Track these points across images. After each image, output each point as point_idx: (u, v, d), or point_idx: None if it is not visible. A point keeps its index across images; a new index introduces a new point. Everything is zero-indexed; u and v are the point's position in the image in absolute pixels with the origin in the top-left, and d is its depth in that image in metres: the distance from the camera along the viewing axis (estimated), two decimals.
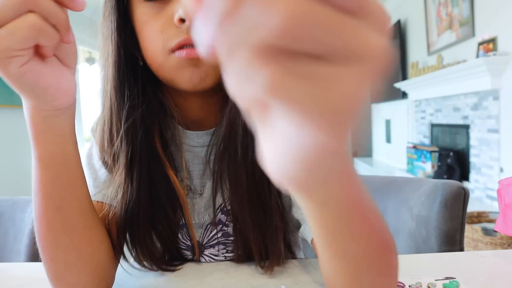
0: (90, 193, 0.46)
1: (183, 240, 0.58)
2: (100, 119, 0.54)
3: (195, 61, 0.46)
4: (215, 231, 0.58)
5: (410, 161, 3.96)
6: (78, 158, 0.42)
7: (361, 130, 7.33)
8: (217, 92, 0.49)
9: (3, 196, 0.86)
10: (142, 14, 0.48)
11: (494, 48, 2.55)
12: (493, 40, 2.57)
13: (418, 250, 0.73)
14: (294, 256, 0.59)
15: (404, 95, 4.39)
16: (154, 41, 0.47)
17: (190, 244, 0.58)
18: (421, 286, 0.46)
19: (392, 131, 5.16)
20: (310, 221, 0.29)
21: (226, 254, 0.59)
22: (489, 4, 2.65)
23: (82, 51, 4.42)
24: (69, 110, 0.38)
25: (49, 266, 0.43)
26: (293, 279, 0.50)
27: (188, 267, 0.56)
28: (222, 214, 0.57)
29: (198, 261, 0.60)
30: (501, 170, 2.57)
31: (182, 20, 0.44)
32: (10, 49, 0.29)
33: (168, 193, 0.53)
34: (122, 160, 0.51)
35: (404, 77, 4.37)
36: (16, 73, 0.31)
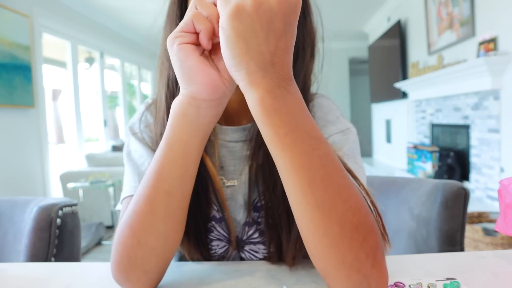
0: (135, 188, 0.53)
1: (222, 233, 0.59)
2: (158, 110, 0.58)
3: None
4: (252, 230, 0.58)
5: (410, 161, 3.96)
6: (198, 157, 0.46)
7: (361, 130, 7.34)
8: None
9: (2, 196, 0.86)
10: None
11: (495, 48, 2.54)
12: (493, 40, 2.56)
13: (419, 250, 0.73)
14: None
15: (404, 95, 4.39)
16: None
17: (230, 238, 0.59)
18: (421, 286, 0.46)
19: (392, 131, 5.16)
20: (275, 137, 0.37)
21: (266, 254, 0.59)
22: (490, 3, 2.65)
23: (82, 51, 4.42)
24: (210, 110, 0.43)
25: (132, 252, 0.45)
26: (294, 279, 0.50)
27: (188, 267, 0.56)
28: (255, 211, 0.57)
29: (237, 254, 0.60)
30: (502, 170, 2.56)
31: None
32: (177, 31, 0.41)
33: (203, 184, 0.56)
34: None
35: (404, 77, 4.37)
36: (176, 49, 0.41)
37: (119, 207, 0.58)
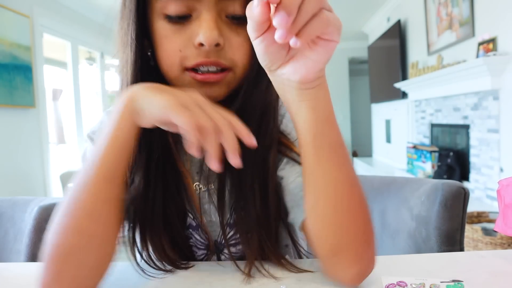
0: None
1: (200, 240, 0.59)
2: None
3: (209, 83, 0.50)
4: (232, 232, 0.58)
5: (410, 161, 3.96)
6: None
7: (361, 130, 7.35)
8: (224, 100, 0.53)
9: (3, 196, 0.86)
10: (162, 29, 0.50)
11: (494, 48, 2.55)
12: (493, 40, 2.57)
13: (418, 250, 0.73)
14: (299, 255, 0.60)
15: (404, 95, 4.39)
16: (172, 56, 0.50)
17: (208, 243, 0.59)
18: (424, 286, 0.46)
19: (392, 131, 5.16)
20: (306, 126, 0.43)
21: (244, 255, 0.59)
22: (489, 4, 2.65)
23: (82, 51, 4.42)
24: None
25: (70, 239, 0.44)
26: (293, 279, 0.50)
27: (187, 268, 0.56)
28: (235, 214, 0.57)
29: (217, 258, 0.60)
30: (501, 170, 2.57)
31: (201, 44, 0.48)
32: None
33: (179, 189, 0.56)
34: (141, 159, 0.54)
35: (404, 77, 4.37)
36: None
37: None
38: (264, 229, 0.54)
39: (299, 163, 0.55)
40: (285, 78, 0.40)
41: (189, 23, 0.49)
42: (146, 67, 0.53)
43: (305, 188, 0.47)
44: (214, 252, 0.60)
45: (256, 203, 0.54)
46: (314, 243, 0.48)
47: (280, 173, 0.56)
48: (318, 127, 0.42)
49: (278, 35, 0.33)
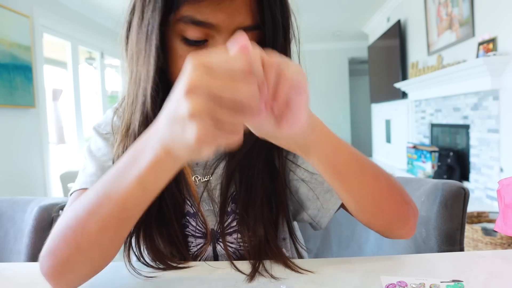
0: (91, 183, 0.55)
1: (198, 228, 0.61)
2: (132, 125, 0.55)
3: None
4: (230, 220, 0.60)
5: (410, 161, 3.96)
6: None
7: (361, 130, 7.35)
8: None
9: (3, 196, 0.87)
10: (179, 49, 0.51)
11: (494, 48, 2.55)
12: (493, 40, 2.57)
13: (418, 250, 0.73)
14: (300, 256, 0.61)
15: (404, 95, 4.40)
16: None
17: (205, 231, 0.61)
18: (424, 286, 0.46)
19: (392, 131, 5.16)
20: (322, 168, 0.48)
21: (241, 243, 0.60)
22: (489, 4, 2.65)
23: (83, 51, 4.42)
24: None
25: (67, 251, 0.45)
26: (293, 279, 0.50)
27: (188, 267, 0.57)
28: (233, 203, 0.60)
29: (213, 248, 0.61)
30: (501, 170, 2.57)
31: None
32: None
33: (177, 179, 0.58)
34: None
35: (404, 77, 4.37)
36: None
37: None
38: (268, 229, 0.56)
39: None
40: (285, 135, 0.42)
41: (205, 47, 0.50)
42: (164, 79, 0.53)
43: (341, 198, 0.54)
44: (210, 240, 0.61)
45: (262, 202, 0.57)
46: (365, 225, 0.56)
47: (303, 166, 0.61)
48: (330, 159, 0.48)
49: (262, 109, 0.36)
